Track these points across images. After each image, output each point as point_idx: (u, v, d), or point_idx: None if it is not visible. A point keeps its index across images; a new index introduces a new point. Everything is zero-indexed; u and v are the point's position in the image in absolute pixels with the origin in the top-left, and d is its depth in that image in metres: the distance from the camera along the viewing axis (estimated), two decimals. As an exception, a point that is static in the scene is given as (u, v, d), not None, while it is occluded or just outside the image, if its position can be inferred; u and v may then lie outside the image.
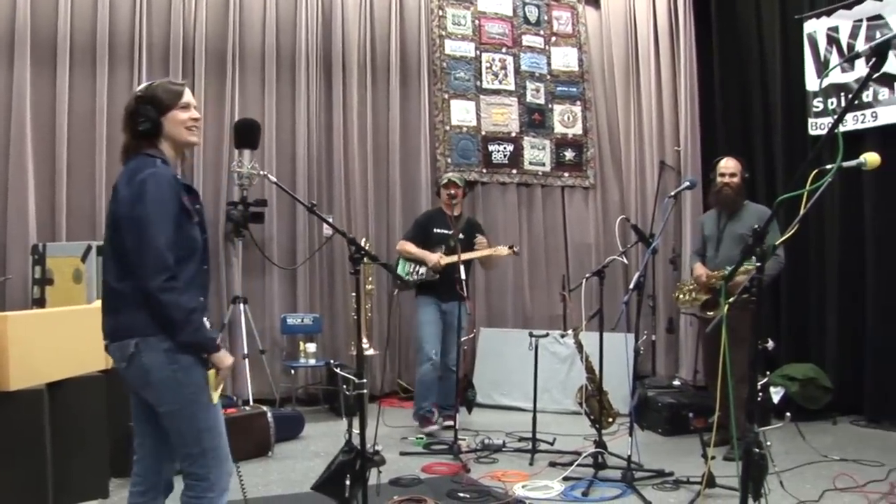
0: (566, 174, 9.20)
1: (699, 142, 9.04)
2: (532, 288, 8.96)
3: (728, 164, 6.10)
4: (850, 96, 7.42)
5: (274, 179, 4.19)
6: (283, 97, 8.02)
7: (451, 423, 6.20)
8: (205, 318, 3.01)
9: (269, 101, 7.90)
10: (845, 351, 7.40)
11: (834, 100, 7.57)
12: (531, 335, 6.17)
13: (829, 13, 7.62)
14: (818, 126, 7.74)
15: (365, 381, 4.10)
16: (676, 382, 8.23)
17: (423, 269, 6.74)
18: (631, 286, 5.43)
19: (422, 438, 6.33)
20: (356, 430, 4.06)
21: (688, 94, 9.07)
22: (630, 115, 9.44)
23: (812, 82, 7.79)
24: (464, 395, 6.71)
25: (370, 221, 8.28)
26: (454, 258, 6.53)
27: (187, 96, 3.10)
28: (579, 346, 6.11)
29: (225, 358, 2.98)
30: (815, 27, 7.74)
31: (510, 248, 6.82)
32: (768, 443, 4.40)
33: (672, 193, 5.68)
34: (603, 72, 9.47)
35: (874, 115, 7.22)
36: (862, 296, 7.28)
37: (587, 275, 6.01)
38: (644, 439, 6.06)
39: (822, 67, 7.68)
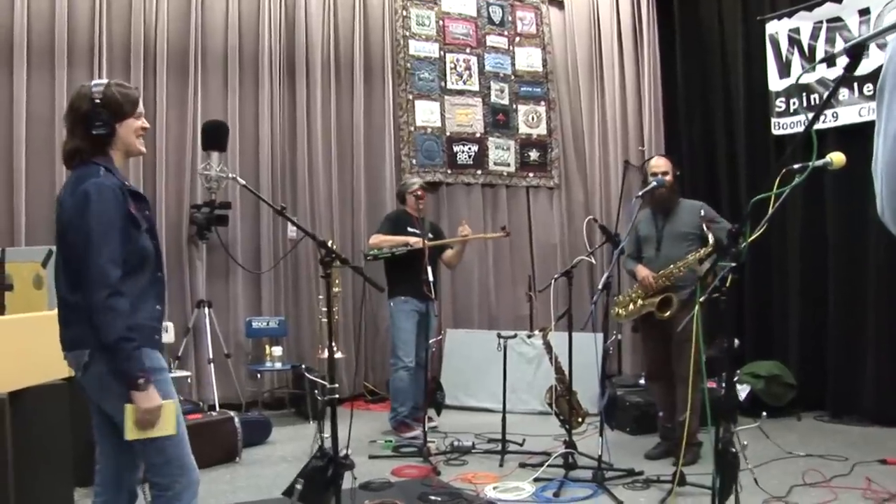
0: (531, 174, 9.19)
1: (663, 141, 9.09)
2: (498, 288, 8.95)
3: (659, 163, 5.94)
4: (816, 97, 7.51)
5: (243, 182, 4.12)
6: (247, 98, 7.92)
7: (423, 425, 6.15)
8: (163, 326, 2.96)
9: (232, 102, 7.81)
10: (808, 347, 7.48)
11: (796, 100, 7.65)
12: (499, 336, 6.15)
13: (790, 14, 7.70)
14: (781, 126, 7.81)
15: (337, 385, 4.05)
16: (643, 381, 8.24)
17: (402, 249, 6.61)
18: (600, 286, 5.42)
19: (390, 442, 6.28)
20: (326, 435, 4.01)
21: (651, 94, 9.14)
22: (594, 114, 9.45)
23: (774, 83, 7.86)
24: (432, 398, 6.67)
25: (335, 223, 8.22)
26: (440, 242, 6.52)
27: (141, 104, 3.03)
28: (548, 347, 6.11)
29: (146, 399, 2.77)
30: (777, 28, 7.81)
31: (502, 228, 6.83)
32: (745, 442, 4.42)
33: (640, 193, 5.69)
34: (567, 72, 9.48)
35: (835, 115, 7.29)
36: (824, 292, 7.36)
37: (555, 275, 6.00)
38: (613, 439, 6.06)
39: (784, 68, 7.76)
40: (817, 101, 7.48)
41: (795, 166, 3.59)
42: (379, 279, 6.37)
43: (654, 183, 5.71)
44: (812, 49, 7.49)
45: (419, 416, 6.43)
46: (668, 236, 5.82)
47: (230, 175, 4.35)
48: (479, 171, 8.92)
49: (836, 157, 3.74)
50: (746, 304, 8.03)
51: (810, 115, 7.51)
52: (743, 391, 7.09)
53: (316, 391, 6.16)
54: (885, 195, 1.87)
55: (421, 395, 6.49)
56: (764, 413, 5.97)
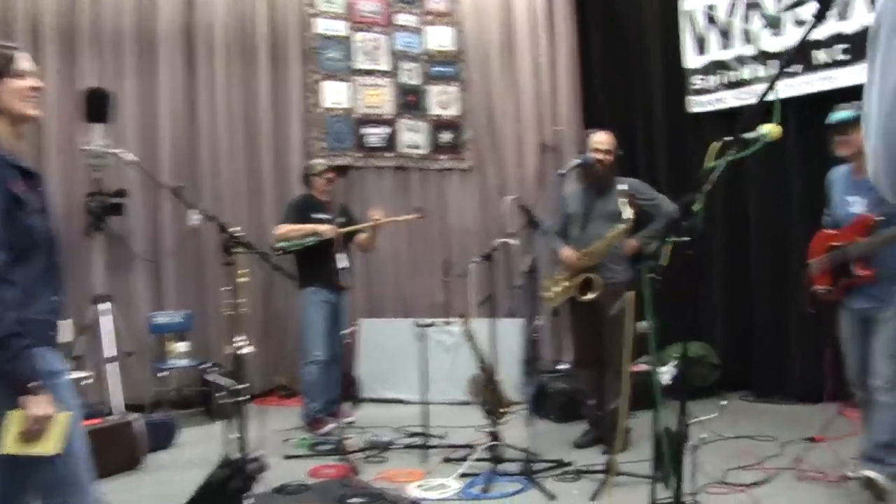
0: (444, 157, 8.92)
1: (580, 121, 8.91)
2: (412, 275, 8.67)
3: (602, 139, 5.68)
4: (733, 74, 7.40)
5: (132, 157, 3.75)
6: (143, 77, 7.46)
7: (339, 421, 5.84)
8: (60, 321, 2.59)
9: (129, 81, 7.35)
10: (732, 327, 7.42)
11: (713, 77, 7.55)
12: (417, 325, 5.88)
13: (706, -9, 7.59)
14: (698, 104, 7.70)
15: (247, 385, 3.73)
16: (563, 366, 8.12)
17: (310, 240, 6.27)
18: (524, 269, 5.20)
19: (306, 439, 5.95)
20: (236, 436, 3.69)
21: (567, 74, 8.96)
22: (508, 95, 9.21)
23: (691, 60, 7.74)
24: (348, 391, 6.36)
25: (241, 210, 7.81)
26: (351, 228, 6.21)
27: (23, 62, 2.64)
28: (469, 335, 5.84)
29: (36, 405, 2.44)
30: (694, 5, 7.69)
31: (416, 209, 6.54)
32: (703, 435, 4.23)
33: (564, 170, 5.45)
34: (479, 51, 9.20)
35: (752, 92, 7.22)
36: (747, 272, 7.30)
37: (475, 259, 5.75)
38: (539, 428, 5.84)
39: (701, 45, 7.64)
40: (734, 79, 7.39)
41: (728, 138, 3.42)
42: (289, 269, 6.05)
43: (580, 160, 5.49)
44: (729, 26, 7.39)
45: (334, 411, 6.12)
46: (597, 215, 5.59)
47: (115, 151, 3.95)
48: (390, 155, 8.61)
49: (772, 129, 3.59)
50: (669, 283, 7.90)
51: (728, 93, 7.43)
52: (667, 373, 6.97)
53: (220, 394, 5.76)
54: (881, 157, 1.63)
55: (335, 390, 6.21)
56: (724, 402, 5.80)
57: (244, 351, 4.91)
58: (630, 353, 5.55)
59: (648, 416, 3.81)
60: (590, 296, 5.38)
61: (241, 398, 3.70)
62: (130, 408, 6.34)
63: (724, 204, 7.38)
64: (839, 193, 4.42)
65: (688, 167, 7.65)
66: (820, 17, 2.04)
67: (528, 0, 9.11)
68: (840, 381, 4.85)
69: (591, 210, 5.63)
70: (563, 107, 9.01)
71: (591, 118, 8.85)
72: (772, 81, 2.40)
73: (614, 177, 5.63)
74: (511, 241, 5.80)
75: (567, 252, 5.56)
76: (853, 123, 4.08)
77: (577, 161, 5.52)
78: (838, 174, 4.46)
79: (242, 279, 6.93)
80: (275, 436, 6.00)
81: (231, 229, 4.00)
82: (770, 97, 2.43)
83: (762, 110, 2.63)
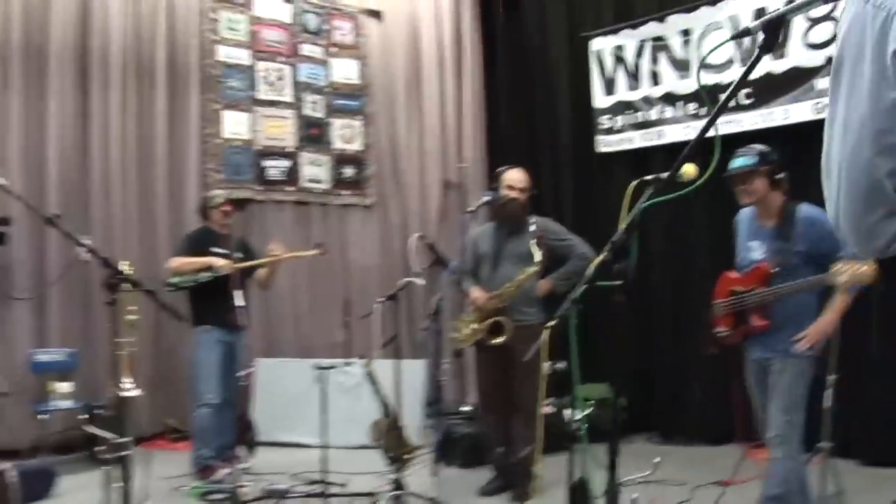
0: (346, 192, 8.72)
1: (485, 158, 8.80)
2: (311, 314, 8.39)
3: (517, 177, 5.53)
4: (640, 114, 7.40)
5: (2, 181, 3.42)
6: (30, 98, 7.04)
7: (233, 467, 5.51)
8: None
9: (15, 100, 6.94)
10: (637, 369, 7.35)
11: (621, 117, 7.56)
12: (318, 367, 5.61)
13: (615, 32, 7.62)
14: (606, 144, 7.69)
15: (127, 439, 3.42)
16: (466, 408, 7.95)
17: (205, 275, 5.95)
18: (431, 310, 5.01)
19: (198, 487, 5.59)
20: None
21: (473, 111, 8.84)
22: (412, 130, 9.07)
23: (599, 100, 7.74)
24: (244, 435, 6.03)
25: (132, 241, 7.43)
26: (250, 263, 5.91)
27: None
28: (371, 377, 5.61)
29: None
30: (602, 45, 7.72)
31: (317, 245, 6.27)
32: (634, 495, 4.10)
33: (472, 207, 5.28)
34: (385, 86, 9.05)
35: (660, 133, 7.26)
36: (651, 314, 7.26)
37: (380, 299, 5.53)
38: (443, 474, 5.63)
39: (609, 85, 7.65)
40: (641, 120, 7.41)
41: (648, 178, 3.33)
42: (182, 306, 5.72)
43: (488, 197, 5.35)
44: (636, 68, 7.43)
45: (228, 456, 5.79)
46: (508, 256, 5.45)
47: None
48: (290, 188, 8.35)
49: (688, 169, 3.55)
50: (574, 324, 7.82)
51: (635, 133, 7.44)
52: (574, 416, 6.85)
53: (99, 448, 5.35)
54: (843, 195, 1.50)
55: (229, 434, 5.87)
56: (657, 460, 5.65)
57: (130, 394, 4.60)
58: (543, 398, 5.45)
59: (557, 462, 3.65)
60: (499, 339, 5.22)
61: (123, 452, 3.39)
62: (5, 454, 5.87)
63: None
64: (742, 237, 4.41)
65: (594, 207, 7.63)
66: (768, 48, 1.91)
67: (435, 34, 9.01)
68: (748, 422, 4.81)
69: (502, 250, 5.49)
70: (469, 143, 8.90)
71: (497, 156, 8.75)
72: (712, 118, 2.26)
73: (527, 216, 5.50)
74: (417, 280, 5.60)
75: (477, 293, 5.40)
76: (753, 171, 4.09)
77: (486, 198, 5.37)
78: (744, 215, 4.42)
79: (131, 317, 6.56)
80: (163, 483, 5.63)
81: (116, 264, 3.70)
82: (711, 133, 2.29)
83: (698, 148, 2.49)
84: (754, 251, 4.27)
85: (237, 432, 5.85)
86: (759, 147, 4.24)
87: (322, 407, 5.48)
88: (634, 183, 3.25)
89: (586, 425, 6.39)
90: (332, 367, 5.71)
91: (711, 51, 7.01)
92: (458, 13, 8.96)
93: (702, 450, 6.59)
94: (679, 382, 7.05)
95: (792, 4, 1.89)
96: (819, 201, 4.16)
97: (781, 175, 4.17)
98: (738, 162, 4.23)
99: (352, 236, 8.77)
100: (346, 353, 7.41)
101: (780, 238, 4.15)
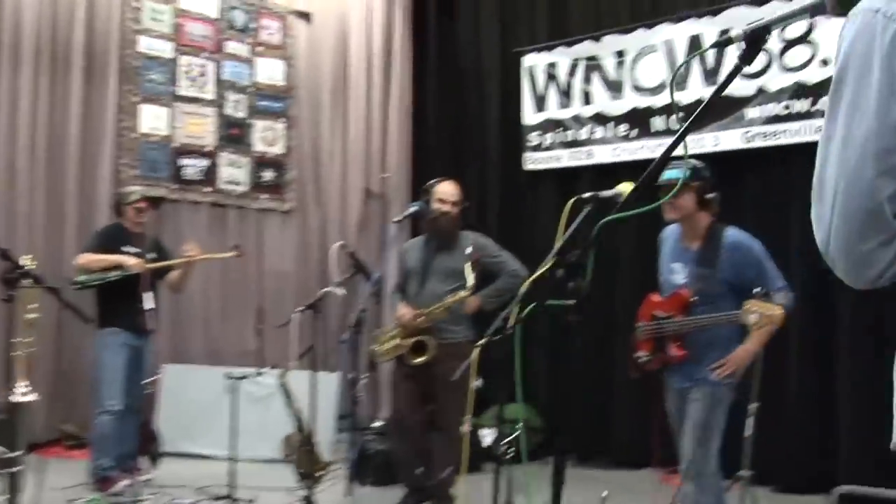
0: (264, 196, 8.45)
1: (409, 169, 8.64)
2: (222, 320, 8.09)
3: (449, 190, 5.34)
4: (571, 133, 7.35)
5: None
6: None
7: (134, 478, 5.23)
8: None
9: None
10: (555, 389, 7.27)
11: (550, 136, 7.50)
12: (230, 376, 5.38)
13: (548, 48, 7.55)
14: (534, 161, 7.62)
15: (19, 453, 3.16)
16: (378, 423, 7.78)
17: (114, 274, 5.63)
18: (352, 323, 4.83)
19: (95, 500, 5.27)
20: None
21: (399, 120, 8.65)
22: (336, 137, 8.85)
23: (529, 116, 7.67)
24: (148, 445, 5.74)
25: (38, 236, 7.07)
26: (163, 263, 5.63)
27: None
28: (286, 389, 5.39)
29: None
30: (535, 61, 7.66)
31: (234, 247, 6.01)
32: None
33: (398, 218, 5.11)
34: (310, 89, 8.83)
35: (589, 153, 7.23)
36: (570, 332, 7.16)
37: (299, 308, 5.31)
38: (356, 492, 5.44)
39: (540, 102, 7.59)
40: (571, 139, 7.36)
41: (585, 195, 3.15)
42: (88, 306, 5.41)
43: (415, 208, 5.18)
44: (569, 86, 7.38)
45: (129, 467, 5.49)
46: (436, 271, 5.27)
47: None
48: (207, 189, 8.06)
49: (627, 189, 3.44)
50: (493, 342, 7.70)
51: (564, 152, 7.39)
52: (489, 437, 6.74)
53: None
54: (837, 218, 1.38)
55: (131, 443, 5.59)
56: (604, 494, 5.52)
57: (25, 399, 4.30)
58: (467, 418, 5.30)
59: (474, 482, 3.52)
60: (420, 359, 5.05)
61: (13, 468, 3.13)
62: None
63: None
64: (666, 257, 4.30)
65: (520, 224, 7.55)
66: (748, 59, 1.81)
67: (365, 40, 8.81)
68: (666, 447, 4.76)
69: (431, 265, 5.31)
70: (393, 153, 8.71)
71: (422, 167, 8.60)
72: (680, 135, 2.14)
73: (458, 231, 5.36)
74: (337, 290, 5.41)
75: (403, 310, 5.22)
76: (682, 186, 3.93)
77: (413, 209, 5.20)
78: (669, 234, 4.32)
79: (30, 315, 6.20)
80: (57, 495, 5.28)
81: (15, 257, 3.43)
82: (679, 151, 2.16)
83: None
84: (676, 274, 4.16)
85: (140, 442, 5.56)
86: (692, 161, 4.13)
87: (232, 417, 5.26)
88: (572, 200, 3.14)
89: (513, 447, 6.34)
90: (244, 377, 5.49)
91: (683, 63, 6.88)
92: (390, 20, 8.78)
93: (620, 473, 6.53)
94: (601, 405, 6.99)
95: (776, 16, 1.80)
96: (749, 229, 4.16)
97: (712, 195, 4.06)
98: (668, 173, 4.13)
99: (268, 242, 8.50)
100: (258, 361, 7.16)
101: (703, 263, 4.05)
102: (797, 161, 6.25)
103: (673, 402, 4.25)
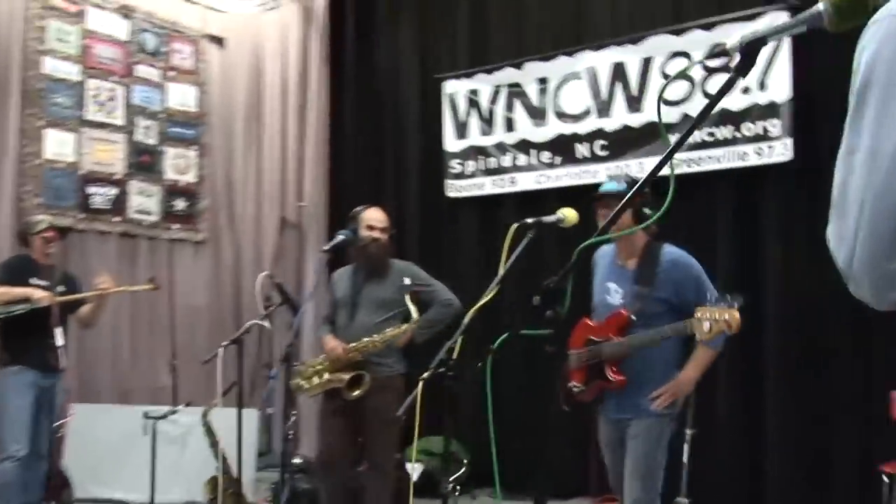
0: (176, 226, 8.12)
1: (326, 198, 8.40)
2: (132, 356, 7.69)
3: (377, 216, 5.14)
4: (494, 160, 7.26)
5: None
6: None
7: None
8: None
9: None
10: (478, 420, 7.09)
11: (472, 163, 7.40)
12: (147, 416, 5.08)
13: (469, 75, 7.46)
14: (456, 189, 7.49)
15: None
16: (298, 460, 7.50)
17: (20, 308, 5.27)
18: (281, 357, 4.60)
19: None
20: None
21: (316, 148, 8.42)
22: (250, 165, 8.61)
23: (451, 143, 7.54)
24: (59, 492, 5.37)
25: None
26: (74, 297, 5.29)
27: None
28: (209, 429, 5.11)
29: None
30: (456, 88, 7.54)
31: (150, 280, 5.70)
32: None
33: (326, 247, 4.88)
34: (224, 116, 8.56)
35: (513, 180, 7.15)
36: (505, 361, 7.03)
37: (224, 343, 5.04)
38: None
39: (461, 129, 7.48)
40: (493, 166, 7.26)
41: (529, 220, 3.21)
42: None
43: (342, 237, 4.96)
44: (491, 113, 7.29)
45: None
46: (367, 302, 5.05)
47: None
48: (117, 219, 7.68)
49: (569, 214, 3.34)
50: (413, 374, 7.52)
51: (486, 179, 7.29)
52: (415, 471, 6.54)
53: None
54: (863, 235, 1.27)
55: (37, 491, 5.24)
56: None
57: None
58: (397, 453, 5.12)
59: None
60: (356, 393, 4.83)
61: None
62: None
63: (478, 286, 7.08)
64: (600, 277, 4.11)
65: (441, 253, 7.40)
66: (743, 71, 1.71)
67: (280, 67, 8.59)
68: (602, 475, 4.65)
69: (360, 295, 5.10)
70: (310, 182, 8.47)
71: (340, 196, 8.38)
72: (668, 154, 2.02)
73: (389, 259, 5.17)
74: (264, 323, 5.15)
75: (333, 344, 4.97)
76: (620, 198, 3.80)
77: (341, 237, 4.98)
78: (603, 252, 4.12)
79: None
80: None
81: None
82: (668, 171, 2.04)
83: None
84: (612, 295, 3.97)
85: (51, 488, 5.19)
86: (632, 175, 4.02)
87: (152, 459, 4.96)
88: (514, 226, 3.12)
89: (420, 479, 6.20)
90: (163, 416, 5.19)
91: (673, 79, 6.70)
92: (306, 45, 8.56)
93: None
94: (530, 435, 6.83)
95: (772, 27, 1.72)
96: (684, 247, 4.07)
97: (649, 212, 3.81)
98: (605, 186, 4.01)
99: (180, 273, 8.15)
100: (172, 399, 6.85)
101: (640, 282, 3.86)
102: (720, 187, 6.28)
103: (607, 433, 4.06)
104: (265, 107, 8.63)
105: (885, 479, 4.88)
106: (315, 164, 8.45)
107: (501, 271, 3.43)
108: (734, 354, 6.05)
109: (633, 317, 3.84)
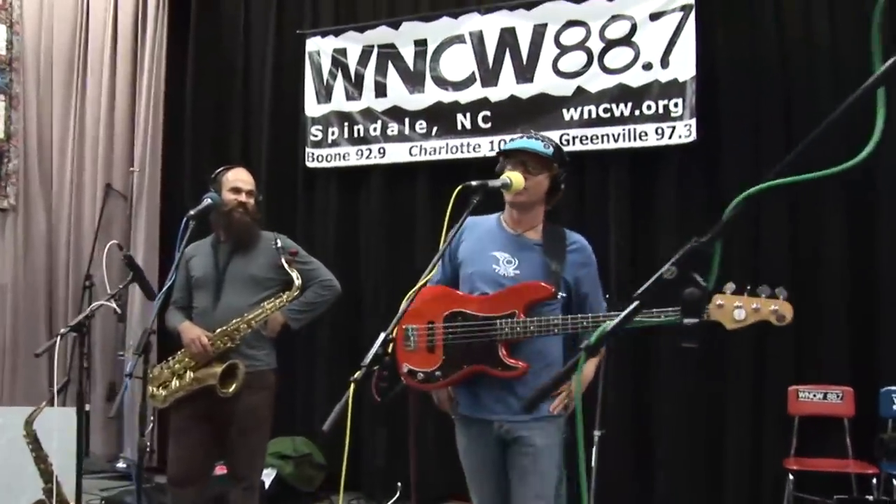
0: (-24, 190, 6.95)
1: (160, 163, 7.34)
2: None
3: (244, 177, 4.38)
4: (360, 128, 6.55)
5: None
6: None
7: None
8: None
9: None
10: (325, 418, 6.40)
11: (335, 129, 6.63)
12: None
13: (336, 33, 6.67)
14: (317, 158, 6.69)
15: None
16: (122, 465, 6.62)
17: None
18: (139, 349, 3.73)
19: None
20: None
21: (150, 107, 7.29)
22: (71, 122, 7.49)
23: (311, 108, 6.73)
24: None
25: None
26: None
27: None
28: (33, 438, 4.14)
29: None
30: (320, 46, 6.73)
31: None
32: None
33: (192, 212, 4.00)
34: (40, 63, 7.39)
35: (381, 150, 6.46)
36: (357, 357, 6.36)
37: (62, 330, 4.08)
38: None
39: (325, 92, 6.68)
40: (361, 133, 6.51)
41: (473, 183, 2.87)
42: None
43: (208, 201, 4.11)
44: (360, 76, 6.54)
45: None
46: (234, 279, 4.24)
47: None
48: None
49: (515, 178, 3.12)
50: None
51: (352, 148, 6.55)
52: (268, 476, 5.78)
53: None
54: None
55: None
56: None
57: None
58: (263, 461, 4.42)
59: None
60: (230, 390, 4.00)
61: None
62: None
63: (339, 267, 6.25)
64: (478, 244, 3.37)
65: (295, 228, 6.62)
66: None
67: (110, 11, 7.43)
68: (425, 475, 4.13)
69: (226, 272, 4.27)
70: (140, 145, 7.34)
71: (175, 163, 7.36)
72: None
73: (258, 228, 4.38)
74: (113, 304, 4.23)
75: (194, 333, 4.12)
76: (541, 159, 3.17)
77: (208, 201, 4.12)
78: (481, 220, 3.39)
79: None
80: None
81: None
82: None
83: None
84: (501, 265, 3.20)
85: None
86: (556, 140, 3.35)
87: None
88: (459, 188, 2.82)
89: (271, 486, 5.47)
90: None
91: None
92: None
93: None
94: (390, 439, 6.19)
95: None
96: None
97: (562, 187, 3.27)
98: (525, 142, 3.21)
99: (-17, 244, 6.99)
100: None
101: (548, 255, 3.17)
102: (617, 166, 5.83)
103: (476, 439, 3.27)
104: (90, 57, 7.48)
105: (791, 476, 4.94)
106: (147, 125, 7.31)
107: (443, 245, 2.90)
108: (626, 349, 5.68)
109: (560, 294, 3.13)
